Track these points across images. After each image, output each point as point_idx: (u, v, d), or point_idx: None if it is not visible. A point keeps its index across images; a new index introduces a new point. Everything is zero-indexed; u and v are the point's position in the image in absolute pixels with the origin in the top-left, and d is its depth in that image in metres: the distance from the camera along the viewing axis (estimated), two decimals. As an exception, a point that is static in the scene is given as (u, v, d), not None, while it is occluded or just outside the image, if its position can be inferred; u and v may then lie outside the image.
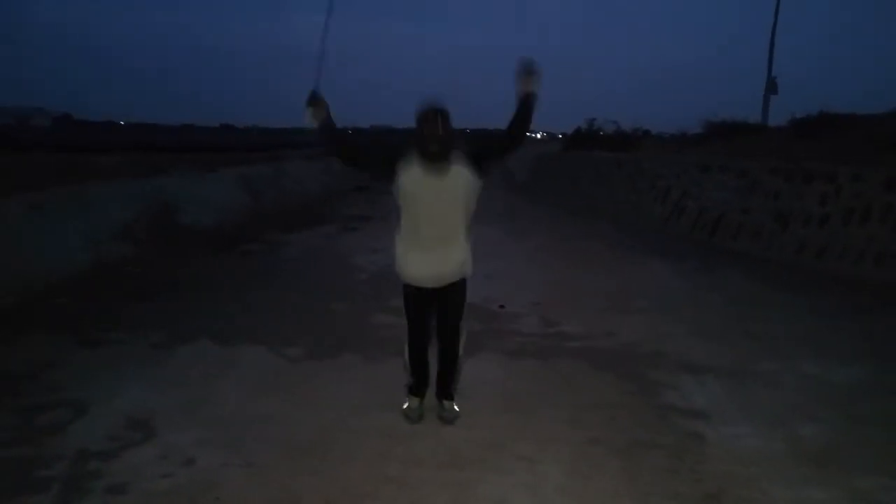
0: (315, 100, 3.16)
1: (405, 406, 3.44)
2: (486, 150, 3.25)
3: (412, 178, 3.11)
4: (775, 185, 8.69)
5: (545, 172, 19.17)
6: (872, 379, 4.01)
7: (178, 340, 4.42)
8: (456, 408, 3.42)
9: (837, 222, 7.53)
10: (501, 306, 5.43)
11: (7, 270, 5.07)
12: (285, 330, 4.70)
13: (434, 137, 3.04)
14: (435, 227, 3.17)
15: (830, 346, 4.62)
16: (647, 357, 4.34)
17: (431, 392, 3.46)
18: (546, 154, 22.11)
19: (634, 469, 2.89)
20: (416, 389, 3.47)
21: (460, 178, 3.12)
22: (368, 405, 3.48)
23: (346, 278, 6.55)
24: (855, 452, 3.08)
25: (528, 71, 3.19)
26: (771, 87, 21.38)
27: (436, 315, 3.36)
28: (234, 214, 9.51)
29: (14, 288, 5.02)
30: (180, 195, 8.16)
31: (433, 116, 3.06)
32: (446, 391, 3.45)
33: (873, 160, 7.93)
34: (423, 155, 3.08)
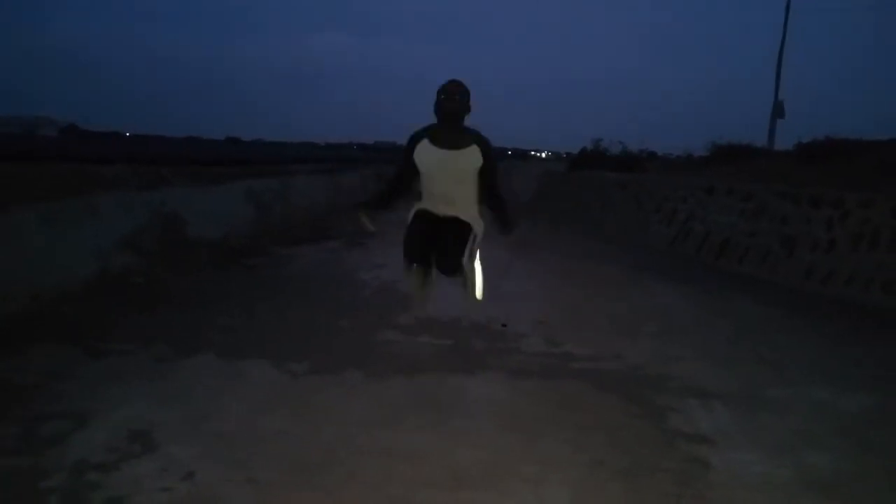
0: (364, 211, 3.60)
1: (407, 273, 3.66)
2: (488, 172, 3.37)
3: (425, 149, 3.39)
4: (782, 210, 8.67)
5: (550, 192, 19.18)
6: (882, 407, 3.97)
7: (182, 353, 4.41)
8: (478, 296, 3.68)
9: (845, 248, 7.50)
10: (504, 325, 5.40)
11: (16, 280, 5.07)
12: (289, 345, 4.68)
13: (449, 103, 3.33)
14: (443, 193, 3.36)
15: (839, 372, 4.58)
16: (653, 380, 4.31)
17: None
18: (551, 174, 22.14)
19: (638, 493, 2.86)
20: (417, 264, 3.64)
21: (472, 157, 3.33)
22: (372, 423, 3.45)
23: (351, 293, 6.54)
24: (864, 481, 3.04)
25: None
26: (777, 110, 21.42)
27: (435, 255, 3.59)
28: (240, 227, 9.51)
29: (22, 297, 5.01)
30: (186, 207, 8.16)
31: (450, 87, 3.35)
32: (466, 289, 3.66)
33: (881, 186, 7.92)
34: (438, 122, 3.37)
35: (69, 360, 4.20)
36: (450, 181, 3.40)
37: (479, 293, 3.71)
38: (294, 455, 3.06)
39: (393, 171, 3.81)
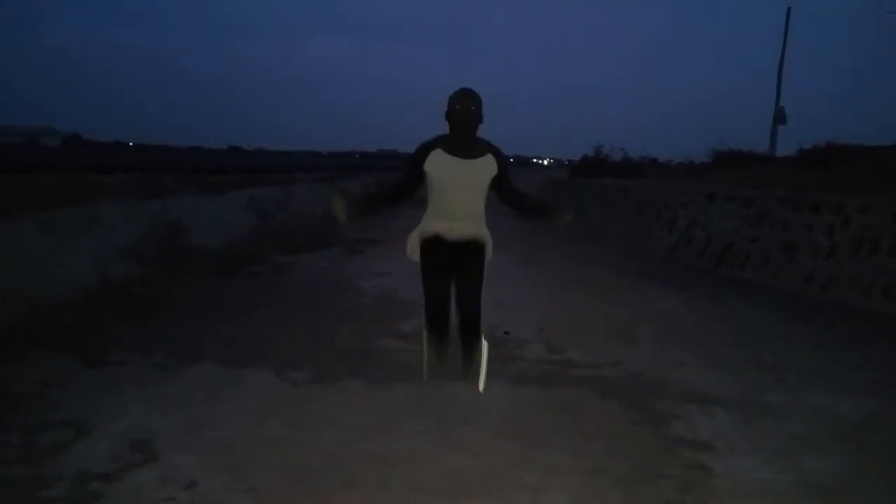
0: (338, 199, 3.42)
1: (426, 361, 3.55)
2: (503, 179, 3.35)
3: (438, 160, 3.26)
4: (783, 215, 8.68)
5: (552, 199, 19.20)
6: (882, 412, 3.97)
7: (183, 362, 4.41)
8: (481, 388, 3.49)
9: (845, 253, 7.50)
10: (507, 332, 5.41)
11: (16, 289, 5.09)
12: (290, 353, 4.69)
13: (464, 114, 3.25)
14: (458, 205, 3.30)
15: (840, 378, 4.58)
16: (654, 386, 4.31)
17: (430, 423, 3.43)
18: (553, 181, 22.16)
19: (640, 500, 2.85)
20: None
21: (487, 167, 3.27)
22: (371, 430, 3.45)
23: (351, 301, 6.55)
24: (864, 487, 3.03)
25: (561, 220, 3.58)
26: (779, 116, 21.47)
27: (454, 291, 3.46)
28: (241, 235, 9.54)
29: (22, 306, 5.03)
30: (188, 216, 8.19)
31: (465, 96, 3.27)
32: (469, 372, 3.50)
33: (882, 191, 7.92)
34: (452, 132, 3.27)
35: (69, 368, 4.20)
36: (466, 191, 3.30)
37: (482, 383, 3.51)
38: (294, 462, 3.07)
39: (393, 179, 3.76)
